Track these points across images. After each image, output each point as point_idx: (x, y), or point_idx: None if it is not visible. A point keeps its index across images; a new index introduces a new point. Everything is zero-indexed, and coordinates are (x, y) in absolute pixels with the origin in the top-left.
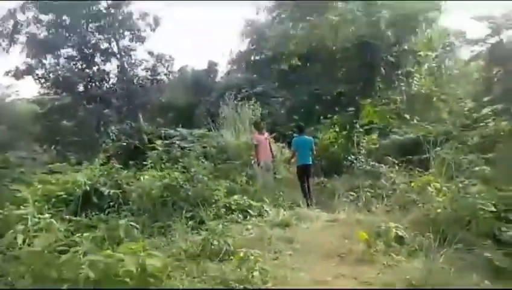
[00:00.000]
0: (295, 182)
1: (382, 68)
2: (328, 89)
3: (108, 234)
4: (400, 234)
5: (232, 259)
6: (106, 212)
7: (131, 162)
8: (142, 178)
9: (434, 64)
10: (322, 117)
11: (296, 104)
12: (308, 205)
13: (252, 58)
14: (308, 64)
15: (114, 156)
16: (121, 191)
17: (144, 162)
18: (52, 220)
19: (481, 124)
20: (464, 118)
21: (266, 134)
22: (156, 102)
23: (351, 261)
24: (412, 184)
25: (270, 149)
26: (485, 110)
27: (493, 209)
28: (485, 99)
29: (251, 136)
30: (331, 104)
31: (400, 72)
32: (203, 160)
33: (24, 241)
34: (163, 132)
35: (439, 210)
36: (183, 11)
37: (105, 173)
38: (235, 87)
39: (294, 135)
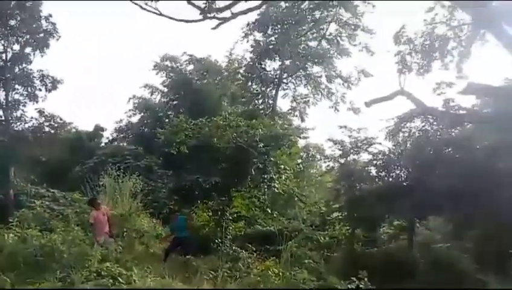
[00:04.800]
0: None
1: (252, 170)
2: (208, 178)
3: None
4: None
5: None
6: None
7: None
8: (6, 236)
9: (298, 170)
10: (199, 201)
11: (178, 186)
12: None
13: (141, 130)
14: (194, 154)
15: None
16: None
17: (10, 220)
18: None
19: (331, 226)
20: (318, 218)
21: (103, 209)
22: (33, 158)
23: None
24: (257, 268)
25: (109, 224)
26: (333, 215)
27: None
28: (334, 206)
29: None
30: (209, 191)
31: (265, 176)
32: (75, 226)
33: None
34: (33, 190)
35: None
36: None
37: None
38: (119, 157)
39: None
